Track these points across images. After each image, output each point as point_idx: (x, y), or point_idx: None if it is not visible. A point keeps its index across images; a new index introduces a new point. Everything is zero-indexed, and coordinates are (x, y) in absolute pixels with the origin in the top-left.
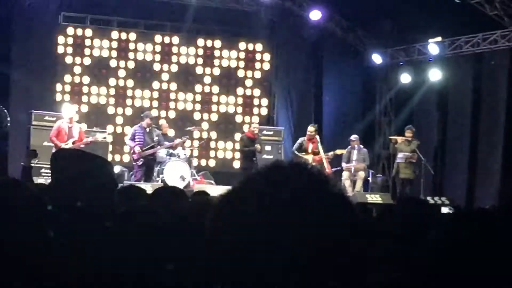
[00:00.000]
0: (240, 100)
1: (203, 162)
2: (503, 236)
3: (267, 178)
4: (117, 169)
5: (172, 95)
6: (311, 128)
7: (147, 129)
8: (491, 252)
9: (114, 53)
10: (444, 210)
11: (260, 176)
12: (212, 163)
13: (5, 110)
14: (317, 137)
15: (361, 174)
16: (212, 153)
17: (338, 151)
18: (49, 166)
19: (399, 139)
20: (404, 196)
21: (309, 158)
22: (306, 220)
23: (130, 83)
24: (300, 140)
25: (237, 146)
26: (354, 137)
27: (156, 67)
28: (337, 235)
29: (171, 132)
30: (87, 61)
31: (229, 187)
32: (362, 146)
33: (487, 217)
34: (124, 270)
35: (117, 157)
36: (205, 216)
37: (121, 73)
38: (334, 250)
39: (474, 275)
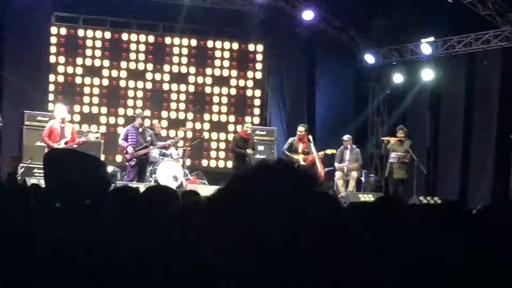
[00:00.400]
0: (233, 100)
1: (196, 162)
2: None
3: (253, 177)
4: (110, 169)
5: (165, 95)
6: (301, 128)
7: (140, 129)
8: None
9: (106, 53)
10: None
11: (246, 175)
12: (205, 163)
13: None
14: (310, 137)
15: (354, 174)
16: (205, 153)
17: (329, 151)
18: (42, 166)
19: (392, 139)
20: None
21: (300, 158)
22: (292, 218)
23: (123, 83)
24: (290, 140)
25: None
26: (346, 137)
27: (149, 67)
28: (323, 233)
29: (163, 132)
30: (79, 61)
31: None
32: (355, 146)
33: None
34: (116, 270)
35: (110, 157)
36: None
37: (114, 73)
38: (320, 248)
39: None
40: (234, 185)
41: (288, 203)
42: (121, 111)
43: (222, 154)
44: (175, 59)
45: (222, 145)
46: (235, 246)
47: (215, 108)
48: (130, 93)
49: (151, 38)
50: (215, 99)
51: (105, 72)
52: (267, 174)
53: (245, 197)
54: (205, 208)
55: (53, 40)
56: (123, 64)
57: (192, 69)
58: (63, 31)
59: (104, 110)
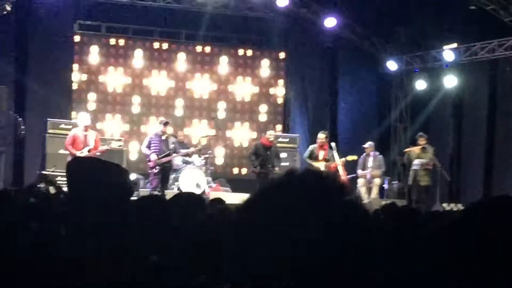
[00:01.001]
0: (255, 108)
1: (219, 169)
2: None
3: (282, 187)
4: (132, 176)
5: (187, 102)
6: (321, 135)
7: (163, 137)
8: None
9: (129, 61)
10: None
11: (274, 185)
12: (228, 170)
13: (20, 118)
14: (333, 144)
15: (377, 181)
16: (227, 160)
17: (350, 157)
18: (64, 174)
19: (416, 149)
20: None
21: (321, 165)
22: (321, 227)
23: (146, 90)
24: (311, 147)
25: None
26: (368, 144)
27: (170, 75)
28: (352, 241)
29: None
30: (102, 68)
31: (245, 195)
32: (377, 153)
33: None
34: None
35: (133, 165)
36: (222, 227)
37: (137, 80)
38: (349, 255)
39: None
40: (263, 195)
41: (318, 213)
42: (141, 118)
43: (244, 162)
44: (198, 67)
45: (245, 153)
46: (265, 256)
47: (237, 116)
48: (154, 100)
49: (173, 46)
50: (237, 106)
51: (129, 80)
52: (295, 183)
53: (274, 207)
54: (235, 219)
55: (76, 48)
56: (147, 71)
57: (215, 77)
58: (86, 39)
59: (126, 118)
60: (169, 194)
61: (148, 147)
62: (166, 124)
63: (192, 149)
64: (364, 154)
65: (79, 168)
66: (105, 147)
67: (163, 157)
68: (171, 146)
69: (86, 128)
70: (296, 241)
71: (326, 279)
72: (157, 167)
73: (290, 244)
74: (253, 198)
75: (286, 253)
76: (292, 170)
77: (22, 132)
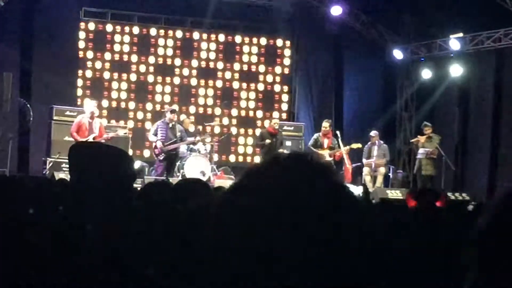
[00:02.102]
0: (261, 95)
1: (224, 157)
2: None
3: (267, 170)
4: (137, 164)
5: (193, 90)
6: (325, 124)
7: (170, 124)
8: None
9: (134, 48)
10: (470, 208)
11: (260, 169)
12: (232, 158)
13: (28, 105)
14: (338, 132)
15: (382, 170)
16: (232, 148)
17: (354, 145)
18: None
19: (421, 138)
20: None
21: (325, 153)
22: (306, 211)
23: (151, 78)
24: (315, 135)
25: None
26: (373, 133)
27: (177, 62)
28: (337, 225)
29: (191, 128)
30: (108, 56)
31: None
32: (382, 142)
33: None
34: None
35: (138, 152)
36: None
37: (142, 68)
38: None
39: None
40: (246, 180)
41: (301, 195)
42: (148, 106)
43: (249, 150)
44: (203, 54)
45: (250, 141)
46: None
47: (242, 103)
48: (158, 88)
49: (179, 33)
50: (243, 94)
51: (133, 67)
52: (279, 167)
53: (257, 192)
54: (217, 205)
55: (82, 35)
56: (151, 59)
57: (220, 64)
58: (92, 26)
59: (132, 105)
60: (174, 181)
61: (155, 134)
62: (173, 112)
63: (198, 138)
64: (370, 143)
65: (81, 152)
66: (110, 135)
67: (169, 144)
68: (178, 134)
69: (92, 115)
70: (278, 225)
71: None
72: (162, 154)
73: (272, 228)
74: (236, 184)
75: (268, 237)
76: (277, 154)
77: (31, 119)
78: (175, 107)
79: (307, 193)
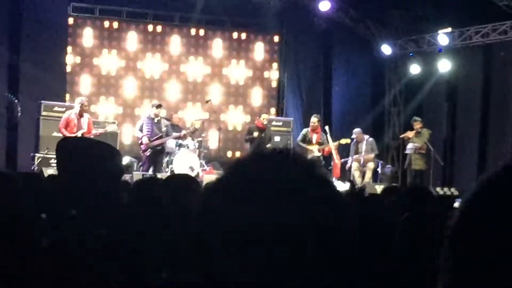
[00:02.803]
0: (249, 91)
1: (212, 152)
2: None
3: (250, 165)
4: (126, 159)
5: (180, 85)
6: (314, 119)
7: (155, 120)
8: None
9: (122, 44)
10: (457, 204)
11: (243, 164)
12: (220, 153)
13: (16, 100)
14: (326, 127)
15: (370, 165)
16: (220, 144)
17: (343, 140)
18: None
19: (410, 134)
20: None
21: (314, 148)
22: (290, 205)
23: (138, 73)
24: (304, 131)
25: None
26: (356, 131)
27: (165, 58)
28: (322, 219)
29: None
30: (95, 51)
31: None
32: (368, 136)
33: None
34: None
35: (127, 148)
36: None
37: (130, 63)
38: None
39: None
40: (229, 174)
41: (287, 189)
42: (134, 101)
43: (237, 145)
44: (192, 50)
45: (238, 136)
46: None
47: (231, 99)
48: (146, 83)
49: (167, 29)
50: (231, 89)
51: (121, 63)
52: (260, 161)
53: (239, 186)
54: (201, 199)
55: (70, 30)
56: (139, 54)
57: (208, 59)
58: (80, 21)
59: (118, 100)
60: (164, 176)
61: (141, 130)
62: (158, 106)
63: (184, 132)
64: (354, 141)
65: (68, 147)
66: (99, 131)
67: (154, 140)
68: (164, 129)
69: (81, 112)
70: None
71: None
72: (148, 150)
73: (256, 224)
74: (222, 177)
75: (252, 233)
76: (259, 149)
77: (19, 114)
78: (155, 103)
79: (290, 189)
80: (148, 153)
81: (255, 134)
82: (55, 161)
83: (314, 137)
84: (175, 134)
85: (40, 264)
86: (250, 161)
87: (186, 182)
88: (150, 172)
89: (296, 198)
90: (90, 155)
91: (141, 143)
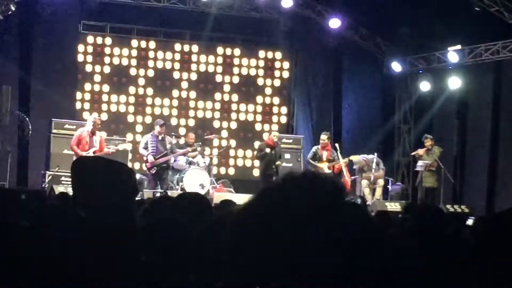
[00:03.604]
0: (259, 108)
1: (223, 170)
2: None
3: (282, 189)
4: (136, 177)
5: (192, 103)
6: (323, 136)
7: (159, 137)
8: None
9: (133, 62)
10: (470, 222)
11: (275, 188)
12: (231, 171)
13: (27, 118)
14: (336, 145)
15: (380, 182)
16: (231, 161)
17: (353, 157)
18: (69, 174)
19: (421, 151)
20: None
21: (324, 166)
22: (322, 230)
23: (150, 91)
24: (314, 148)
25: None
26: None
27: (176, 75)
28: (354, 245)
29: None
30: (106, 69)
31: (247, 197)
32: (375, 154)
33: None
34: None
35: (137, 165)
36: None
37: (141, 81)
38: (351, 259)
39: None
40: (262, 198)
41: (316, 215)
42: (147, 119)
43: (248, 163)
44: (202, 68)
45: (249, 153)
46: (264, 259)
47: (241, 116)
48: (157, 101)
49: (178, 46)
50: (242, 107)
51: (132, 80)
52: (294, 186)
53: (274, 210)
54: (234, 222)
55: (81, 48)
56: (150, 72)
57: (219, 77)
58: (91, 39)
59: (131, 118)
60: (174, 194)
61: (145, 148)
62: (163, 125)
63: (188, 149)
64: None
65: (84, 167)
66: (110, 150)
67: (160, 157)
68: (168, 146)
69: (93, 130)
70: (295, 243)
71: (326, 282)
72: (154, 168)
73: (289, 247)
74: (252, 201)
75: (285, 255)
76: (290, 173)
77: (29, 132)
78: (173, 120)
79: (320, 212)
80: (153, 171)
81: (267, 150)
82: (66, 178)
83: (324, 155)
84: (180, 151)
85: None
86: (284, 184)
87: (197, 201)
88: (158, 189)
89: (327, 222)
90: (105, 175)
91: (147, 161)
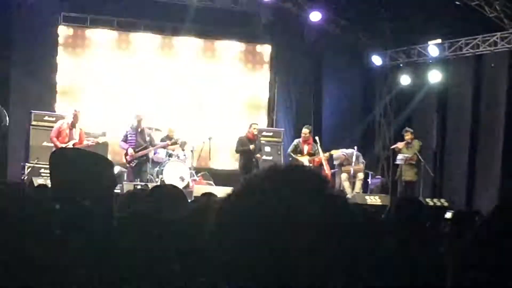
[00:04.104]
0: (239, 101)
1: (202, 163)
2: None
3: (266, 180)
4: (116, 169)
5: (172, 96)
6: (305, 130)
7: (139, 130)
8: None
9: (113, 54)
10: (448, 215)
11: (258, 179)
12: (211, 163)
13: (4, 110)
14: (316, 138)
15: (360, 175)
16: (211, 154)
17: (334, 151)
18: (48, 166)
19: (400, 145)
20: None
21: (305, 159)
22: (305, 222)
23: (130, 83)
24: (295, 141)
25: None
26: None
27: (156, 67)
28: (337, 236)
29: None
30: (86, 61)
31: (229, 189)
32: (354, 148)
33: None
34: (127, 271)
35: (117, 158)
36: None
37: (121, 73)
38: (334, 250)
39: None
40: (245, 189)
41: (299, 206)
42: (127, 112)
43: (228, 155)
44: (182, 60)
45: (229, 146)
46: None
47: (221, 109)
48: (137, 93)
49: (159, 39)
50: (222, 100)
51: (112, 72)
52: (276, 177)
53: (256, 201)
54: (216, 213)
55: (60, 40)
56: (130, 64)
57: (199, 70)
58: (70, 31)
59: (110, 110)
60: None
61: (125, 140)
62: (141, 117)
63: (168, 142)
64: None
65: (62, 159)
66: (90, 142)
67: (139, 150)
68: (147, 138)
69: (73, 122)
70: (279, 235)
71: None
72: (134, 160)
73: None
74: (237, 192)
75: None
76: (275, 165)
77: (6, 124)
78: (138, 114)
79: (305, 204)
80: (133, 163)
81: (251, 147)
82: (45, 171)
83: (306, 148)
84: (159, 143)
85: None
86: (268, 176)
87: (171, 193)
88: (138, 182)
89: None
90: (84, 167)
91: (126, 154)
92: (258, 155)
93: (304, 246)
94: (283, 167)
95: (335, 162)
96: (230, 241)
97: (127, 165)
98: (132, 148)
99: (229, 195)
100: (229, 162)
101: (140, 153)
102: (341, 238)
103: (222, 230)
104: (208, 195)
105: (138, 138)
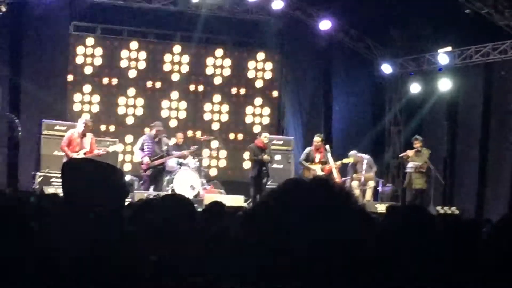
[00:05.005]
0: (250, 110)
1: (213, 172)
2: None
3: (290, 194)
4: (127, 178)
5: (183, 104)
6: (317, 138)
7: (156, 139)
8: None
9: (124, 63)
10: None
11: (283, 192)
12: (222, 172)
13: (17, 120)
14: (327, 146)
15: (371, 183)
16: (222, 163)
17: (345, 160)
18: (59, 175)
19: (410, 153)
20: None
21: (317, 168)
22: (329, 236)
23: (140, 92)
24: (307, 150)
25: (246, 155)
26: (351, 154)
27: (167, 76)
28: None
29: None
30: (97, 70)
31: (238, 198)
32: (365, 155)
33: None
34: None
35: (127, 167)
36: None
37: (132, 82)
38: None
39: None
40: (270, 202)
41: (326, 221)
42: (138, 120)
43: (238, 164)
44: (193, 68)
45: (238, 154)
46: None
47: (232, 117)
48: (148, 102)
49: (169, 48)
50: (233, 108)
51: (124, 81)
52: (301, 191)
53: (281, 214)
54: (242, 224)
55: (71, 49)
56: (141, 73)
57: (210, 79)
58: (81, 40)
59: (122, 120)
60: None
61: (141, 149)
62: (160, 127)
63: (185, 152)
64: (352, 163)
65: (74, 168)
66: (101, 151)
67: (156, 159)
68: (164, 148)
69: (84, 131)
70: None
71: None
72: (150, 169)
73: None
74: (257, 208)
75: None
76: (298, 179)
77: (20, 133)
78: (157, 123)
79: (329, 217)
80: (149, 172)
81: (265, 157)
82: (56, 180)
83: (317, 156)
84: (176, 153)
85: None
86: (291, 189)
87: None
88: (151, 190)
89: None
90: (95, 177)
91: (142, 163)
92: (266, 156)
93: (330, 261)
94: (305, 182)
95: (349, 163)
96: (255, 251)
97: (144, 173)
98: (148, 156)
99: (252, 209)
100: (240, 170)
101: (156, 162)
102: (366, 252)
103: (243, 245)
104: (217, 204)
105: (155, 147)
